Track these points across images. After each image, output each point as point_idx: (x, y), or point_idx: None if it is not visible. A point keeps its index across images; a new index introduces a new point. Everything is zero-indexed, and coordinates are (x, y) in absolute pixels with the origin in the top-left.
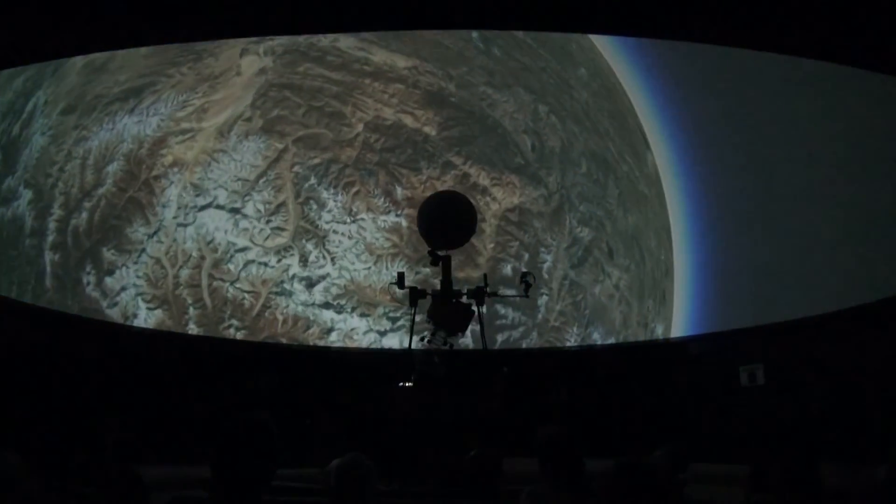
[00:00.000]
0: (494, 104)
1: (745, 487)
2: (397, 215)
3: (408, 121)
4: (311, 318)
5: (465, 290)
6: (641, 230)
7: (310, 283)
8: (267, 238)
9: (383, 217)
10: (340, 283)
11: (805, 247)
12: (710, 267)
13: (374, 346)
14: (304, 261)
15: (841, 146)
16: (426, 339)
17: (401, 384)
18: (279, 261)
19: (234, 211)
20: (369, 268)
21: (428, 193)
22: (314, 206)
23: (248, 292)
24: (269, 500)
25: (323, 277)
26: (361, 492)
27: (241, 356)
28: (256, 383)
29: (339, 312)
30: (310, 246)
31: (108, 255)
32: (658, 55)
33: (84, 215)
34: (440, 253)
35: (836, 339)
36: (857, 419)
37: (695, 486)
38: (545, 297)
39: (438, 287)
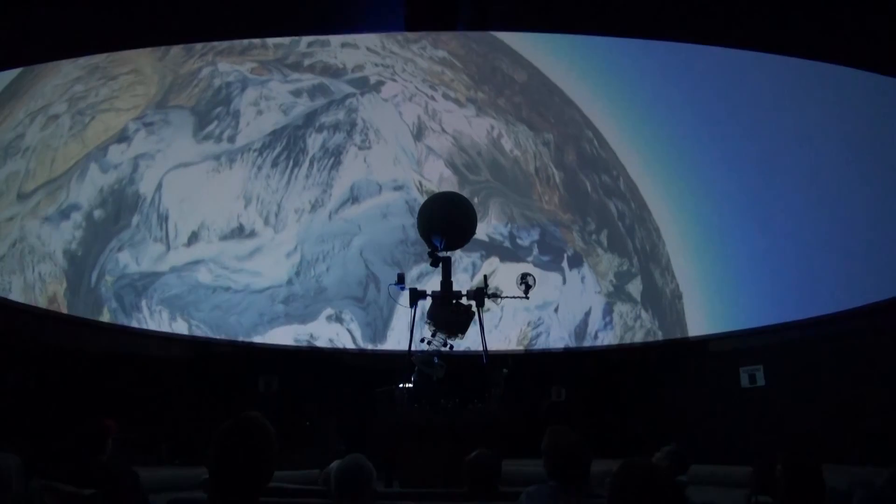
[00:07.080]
0: None
1: (746, 489)
2: None
3: None
4: None
5: (464, 292)
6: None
7: None
8: None
9: None
10: None
11: (806, 249)
12: (711, 268)
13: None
14: None
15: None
16: (426, 341)
17: (401, 385)
18: None
19: None
20: None
21: None
22: None
23: None
24: (268, 501)
25: None
26: (361, 493)
27: (243, 357)
28: (258, 385)
29: None
30: None
31: None
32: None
33: None
34: (440, 254)
35: (837, 341)
36: (859, 421)
37: (696, 487)
38: None
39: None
